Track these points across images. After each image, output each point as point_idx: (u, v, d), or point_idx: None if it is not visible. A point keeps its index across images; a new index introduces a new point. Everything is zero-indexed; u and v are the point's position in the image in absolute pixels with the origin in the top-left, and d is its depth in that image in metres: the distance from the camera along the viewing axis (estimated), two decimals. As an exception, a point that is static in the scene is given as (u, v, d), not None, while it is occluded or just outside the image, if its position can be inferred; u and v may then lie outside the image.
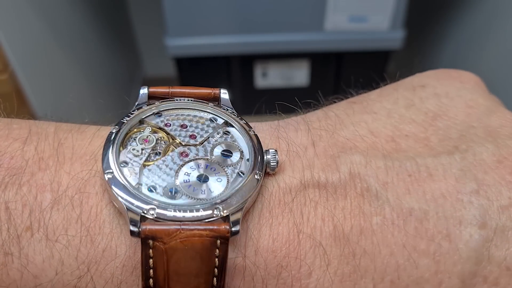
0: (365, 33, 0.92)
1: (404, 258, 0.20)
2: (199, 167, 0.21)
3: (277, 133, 0.23)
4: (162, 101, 0.23)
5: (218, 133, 0.23)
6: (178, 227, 0.19)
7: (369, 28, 0.91)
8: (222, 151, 0.22)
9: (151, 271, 0.19)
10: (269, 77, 1.03)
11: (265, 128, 0.24)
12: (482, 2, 0.94)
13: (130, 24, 1.43)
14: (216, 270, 0.19)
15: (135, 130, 0.22)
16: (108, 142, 0.21)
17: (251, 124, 0.24)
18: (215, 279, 0.20)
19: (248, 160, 0.22)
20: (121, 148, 0.21)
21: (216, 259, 0.19)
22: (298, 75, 1.03)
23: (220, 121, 0.23)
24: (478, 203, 0.21)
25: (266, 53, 0.97)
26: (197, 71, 1.01)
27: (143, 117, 0.23)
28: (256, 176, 0.21)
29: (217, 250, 0.19)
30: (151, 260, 0.19)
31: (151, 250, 0.19)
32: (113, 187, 0.19)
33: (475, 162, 0.22)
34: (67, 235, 0.19)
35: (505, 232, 0.20)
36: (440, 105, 0.24)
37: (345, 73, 1.02)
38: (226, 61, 0.99)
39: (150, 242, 0.19)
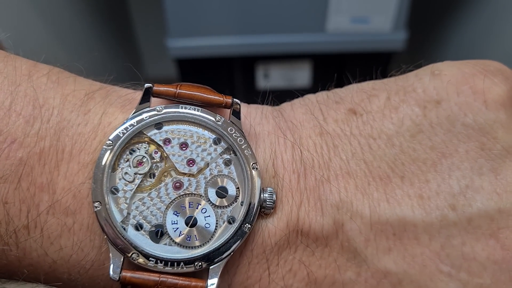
0: (367, 35, 0.91)
1: None
2: (190, 206, 0.21)
3: (275, 151, 0.22)
4: (166, 106, 0.21)
5: (217, 163, 0.21)
6: (157, 279, 0.20)
7: (371, 29, 0.90)
8: (218, 188, 0.21)
9: None
10: (271, 78, 1.03)
11: (266, 133, 0.23)
12: (485, 3, 0.94)
13: (131, 25, 1.43)
14: None
15: (132, 141, 0.21)
16: (99, 163, 0.20)
17: (253, 114, 0.23)
18: None
19: (242, 203, 0.21)
20: (116, 165, 0.21)
21: None
22: (300, 76, 1.03)
23: (224, 145, 0.21)
24: (457, 277, 0.20)
25: (268, 55, 0.97)
26: (199, 73, 1.01)
27: (141, 129, 0.21)
28: (245, 229, 0.20)
29: None
30: None
31: None
32: (100, 223, 0.20)
33: (468, 229, 0.20)
34: (60, 243, 0.20)
35: None
36: (451, 138, 0.21)
37: (347, 74, 1.02)
38: (228, 62, 0.99)
39: (129, 287, 0.20)
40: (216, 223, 0.21)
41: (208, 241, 0.20)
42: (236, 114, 0.22)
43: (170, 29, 0.90)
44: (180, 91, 0.21)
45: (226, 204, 0.21)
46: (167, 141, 0.21)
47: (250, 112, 0.24)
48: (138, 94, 0.23)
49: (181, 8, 0.87)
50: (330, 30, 0.90)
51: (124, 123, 0.21)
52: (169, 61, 0.99)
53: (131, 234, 0.20)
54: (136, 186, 0.20)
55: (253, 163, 0.21)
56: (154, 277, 0.20)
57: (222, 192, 0.21)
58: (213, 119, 0.21)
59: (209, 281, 0.20)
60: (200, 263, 0.20)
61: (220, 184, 0.21)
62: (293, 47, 0.94)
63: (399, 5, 0.87)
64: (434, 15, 1.16)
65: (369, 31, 0.90)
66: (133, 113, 0.21)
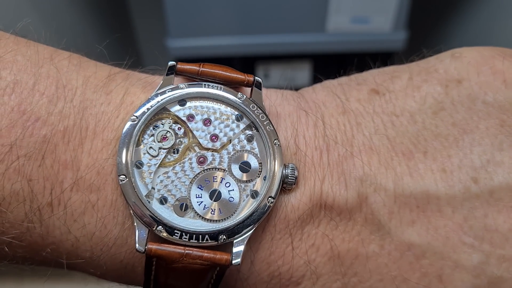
0: (367, 34, 0.91)
1: (393, 287, 0.20)
2: (214, 180, 0.21)
3: (297, 129, 0.22)
4: (189, 84, 0.22)
5: (240, 139, 0.21)
6: (182, 251, 0.20)
7: (371, 29, 0.90)
8: (241, 163, 0.21)
9: (152, 276, 0.21)
10: (271, 78, 1.03)
11: (287, 113, 0.23)
12: (485, 3, 0.94)
13: (131, 25, 1.43)
14: (210, 285, 0.21)
15: (156, 117, 0.21)
16: (125, 137, 0.20)
17: (274, 96, 0.23)
18: None
19: (265, 178, 0.21)
20: (140, 140, 0.21)
21: (212, 279, 0.21)
22: (300, 76, 1.03)
23: (246, 121, 0.22)
24: (480, 248, 0.20)
25: (268, 54, 0.97)
26: (199, 73, 1.01)
27: (165, 105, 0.21)
28: (268, 203, 0.20)
29: (215, 272, 0.20)
30: (153, 271, 0.20)
31: (154, 265, 0.20)
32: (125, 196, 0.20)
33: (490, 201, 0.20)
34: (84, 220, 0.20)
35: (499, 284, 0.20)
36: (472, 115, 0.22)
37: (347, 74, 1.01)
38: (228, 62, 0.99)
39: (154, 260, 0.20)
40: (240, 197, 0.21)
41: (231, 215, 0.21)
42: (258, 85, 0.22)
43: (170, 29, 0.90)
44: (203, 69, 0.22)
45: (249, 179, 0.21)
46: (190, 117, 0.21)
47: (271, 94, 0.24)
48: (157, 77, 0.23)
49: (181, 8, 0.87)
50: (330, 30, 0.91)
51: (149, 100, 0.21)
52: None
53: (156, 207, 0.20)
54: (160, 160, 0.21)
55: (275, 139, 0.21)
56: (179, 249, 0.20)
57: (245, 167, 0.21)
58: (235, 97, 0.22)
59: (234, 249, 0.20)
60: (223, 237, 0.20)
61: (243, 159, 0.21)
62: (293, 47, 0.94)
63: (399, 5, 0.87)
64: (434, 15, 1.16)
65: (369, 31, 0.90)
66: (157, 90, 0.21)
